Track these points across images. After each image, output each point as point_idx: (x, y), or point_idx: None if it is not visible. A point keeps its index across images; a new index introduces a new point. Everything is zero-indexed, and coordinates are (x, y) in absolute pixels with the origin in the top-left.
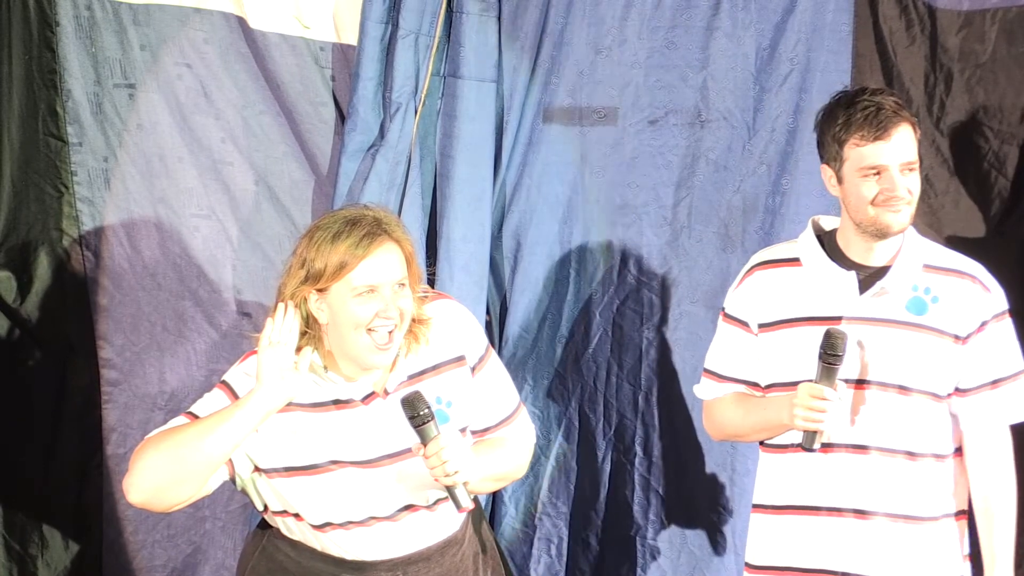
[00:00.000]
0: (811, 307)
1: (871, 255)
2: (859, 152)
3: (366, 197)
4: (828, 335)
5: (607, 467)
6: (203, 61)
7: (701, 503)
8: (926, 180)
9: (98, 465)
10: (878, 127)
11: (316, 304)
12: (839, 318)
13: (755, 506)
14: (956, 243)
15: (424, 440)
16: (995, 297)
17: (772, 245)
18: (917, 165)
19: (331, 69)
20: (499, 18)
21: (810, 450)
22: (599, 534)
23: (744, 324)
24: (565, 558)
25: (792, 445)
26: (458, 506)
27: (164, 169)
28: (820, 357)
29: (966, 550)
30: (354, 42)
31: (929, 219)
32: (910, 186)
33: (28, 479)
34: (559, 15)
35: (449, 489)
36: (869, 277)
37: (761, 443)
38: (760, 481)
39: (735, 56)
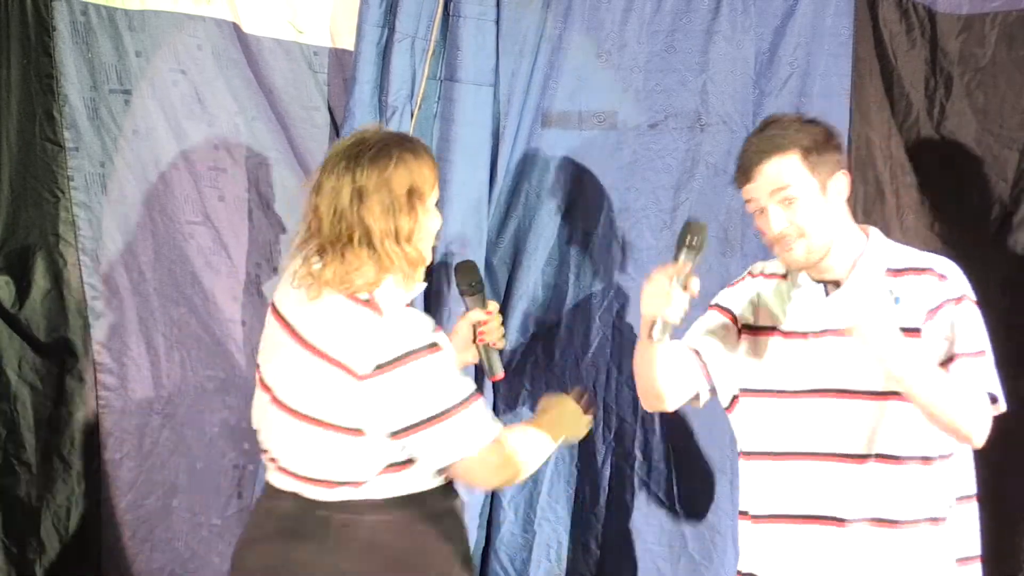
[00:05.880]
0: (785, 319)
1: (824, 273)
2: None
3: None
4: (686, 225)
5: (607, 471)
6: (197, 67)
7: (701, 507)
8: (926, 184)
9: (95, 470)
10: (743, 170)
11: None
12: (806, 333)
13: (740, 513)
14: (955, 247)
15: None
16: (951, 283)
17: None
18: (797, 195)
19: (325, 74)
20: (497, 22)
21: (658, 341)
22: (599, 538)
23: (730, 313)
24: (565, 563)
25: (762, 452)
26: (491, 372)
27: (159, 175)
28: (676, 245)
29: (963, 553)
30: (349, 47)
31: (929, 223)
32: (793, 217)
33: (26, 484)
34: (558, 19)
35: (487, 352)
36: (834, 289)
37: (741, 452)
38: (741, 489)
39: (735, 60)
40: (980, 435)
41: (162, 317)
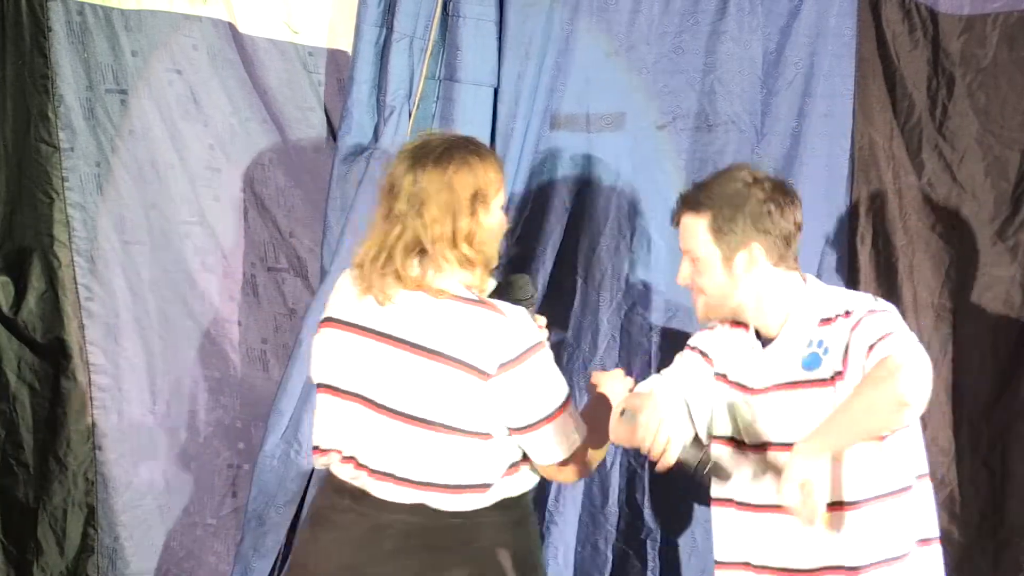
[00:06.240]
0: (740, 371)
1: (760, 325)
2: None
3: (360, 201)
4: (712, 468)
5: (616, 472)
6: (193, 67)
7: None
8: (929, 185)
9: (91, 471)
10: (674, 213)
11: None
12: (753, 388)
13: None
14: (957, 248)
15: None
16: (854, 316)
17: None
18: (699, 257)
19: (320, 74)
20: (497, 23)
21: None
22: (608, 539)
23: (709, 359)
24: (572, 565)
25: (726, 499)
26: None
27: (155, 175)
28: (691, 455)
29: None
30: (345, 47)
31: (931, 224)
32: (695, 275)
33: (24, 485)
34: (565, 21)
35: None
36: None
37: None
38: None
39: (742, 60)
40: (918, 394)
41: (157, 317)
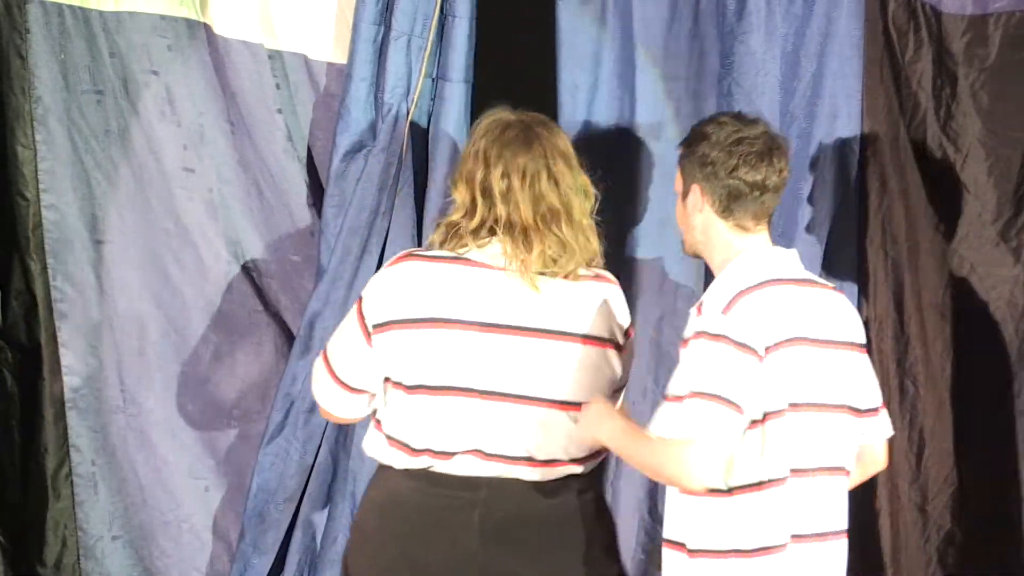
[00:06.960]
0: None
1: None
2: None
3: (358, 198)
4: None
5: (646, 482)
6: (167, 68)
7: None
8: (933, 184)
9: (68, 472)
10: None
11: None
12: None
13: None
14: (961, 247)
15: None
16: (695, 321)
17: None
18: (676, 188)
19: (289, 77)
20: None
21: None
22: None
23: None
24: None
25: None
26: None
27: (131, 176)
28: None
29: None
30: (321, 52)
31: (935, 223)
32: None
33: (15, 485)
34: (615, 31)
35: None
36: None
37: None
38: None
39: (763, 61)
40: (678, 477)
41: (128, 317)
